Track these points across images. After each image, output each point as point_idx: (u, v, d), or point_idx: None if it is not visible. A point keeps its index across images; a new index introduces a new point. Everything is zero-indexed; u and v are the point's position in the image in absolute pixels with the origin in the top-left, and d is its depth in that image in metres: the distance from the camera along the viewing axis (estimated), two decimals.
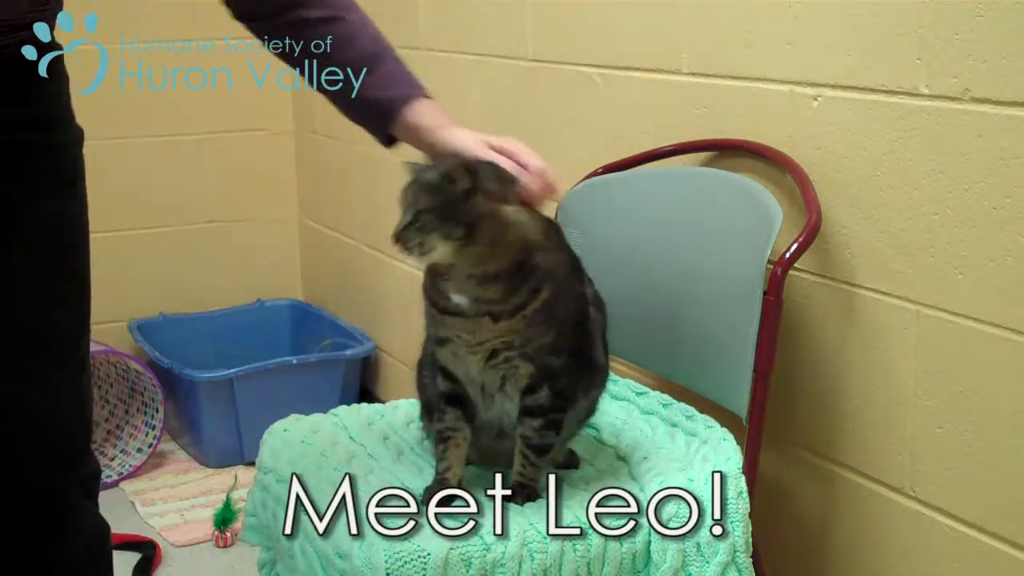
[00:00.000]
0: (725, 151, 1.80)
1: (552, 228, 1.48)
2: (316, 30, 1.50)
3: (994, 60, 1.38)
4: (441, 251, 1.37)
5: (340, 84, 1.50)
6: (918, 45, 1.47)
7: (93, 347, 2.90)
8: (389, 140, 1.54)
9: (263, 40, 1.53)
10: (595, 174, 1.94)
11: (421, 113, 1.49)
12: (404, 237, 1.37)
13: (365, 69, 1.50)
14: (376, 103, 1.50)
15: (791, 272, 1.56)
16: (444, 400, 1.49)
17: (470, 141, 1.46)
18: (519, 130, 2.31)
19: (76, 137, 1.54)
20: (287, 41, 1.51)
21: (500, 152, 1.44)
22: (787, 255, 1.54)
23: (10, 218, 1.45)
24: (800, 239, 1.56)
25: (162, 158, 3.31)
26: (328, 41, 1.49)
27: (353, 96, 1.50)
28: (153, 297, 3.33)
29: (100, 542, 1.62)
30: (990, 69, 1.38)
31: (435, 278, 1.42)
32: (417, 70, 2.93)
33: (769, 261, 1.54)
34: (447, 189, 1.37)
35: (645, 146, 1.92)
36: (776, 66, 1.68)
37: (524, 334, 1.42)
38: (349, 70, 1.50)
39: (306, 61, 1.51)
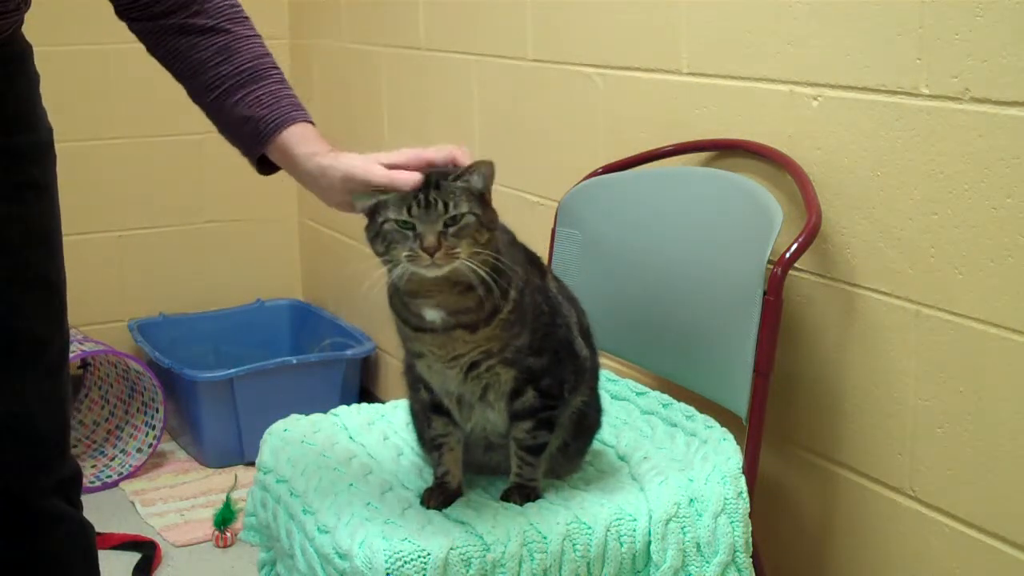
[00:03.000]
0: (725, 151, 1.80)
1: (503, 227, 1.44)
2: (196, 38, 1.44)
3: (994, 60, 1.38)
4: (463, 259, 1.31)
5: (214, 97, 1.44)
6: (918, 45, 1.47)
7: (93, 347, 2.91)
8: (263, 164, 1.47)
9: (147, 46, 1.48)
10: (595, 174, 1.94)
11: (298, 137, 1.42)
12: (446, 241, 1.30)
13: (242, 85, 1.43)
14: (249, 121, 1.43)
15: (791, 272, 1.56)
16: (430, 409, 1.49)
17: (359, 162, 1.37)
18: (519, 130, 2.32)
19: (42, 140, 1.50)
20: (167, 47, 1.46)
21: (396, 166, 1.36)
22: (787, 255, 1.54)
23: None
24: (800, 239, 1.56)
25: (162, 158, 3.31)
26: (207, 51, 1.44)
27: (225, 111, 1.44)
28: (153, 297, 3.33)
29: (82, 546, 1.61)
30: (990, 69, 1.38)
31: (405, 296, 1.38)
32: (417, 70, 2.94)
33: (769, 261, 1.54)
34: (475, 190, 1.33)
35: (645, 146, 1.92)
36: (776, 66, 1.68)
37: (502, 339, 1.40)
38: (225, 84, 1.43)
39: (184, 69, 1.46)
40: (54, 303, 1.54)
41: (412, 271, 1.31)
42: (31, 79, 1.50)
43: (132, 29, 1.50)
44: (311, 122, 1.46)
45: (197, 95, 1.47)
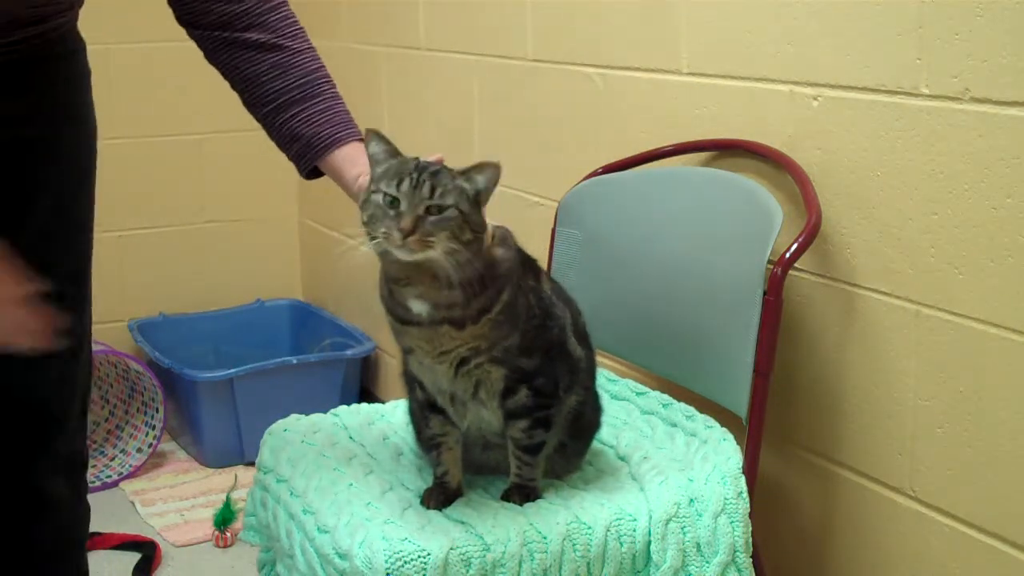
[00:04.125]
0: (725, 151, 1.80)
1: (503, 230, 1.45)
2: (251, 53, 1.49)
3: (994, 60, 1.38)
4: (437, 251, 1.31)
5: (266, 111, 1.49)
6: (918, 45, 1.47)
7: (93, 347, 2.91)
8: (310, 174, 1.53)
9: (204, 53, 1.53)
10: (595, 174, 1.94)
11: (343, 158, 1.48)
12: (422, 228, 1.30)
13: (295, 103, 1.49)
14: (299, 139, 1.48)
15: (791, 272, 1.56)
16: (426, 408, 1.48)
17: None
18: (519, 130, 2.32)
19: (90, 132, 1.57)
20: (222, 58, 1.51)
21: None
22: (787, 255, 1.54)
23: (10, 199, 1.47)
24: (800, 239, 1.56)
25: (162, 158, 3.31)
26: (261, 66, 1.49)
27: (277, 126, 1.49)
28: (153, 297, 3.33)
29: (72, 526, 1.64)
30: (990, 69, 1.38)
31: (391, 283, 1.39)
32: (417, 70, 2.94)
33: (769, 261, 1.54)
34: (471, 190, 1.34)
35: (645, 146, 1.92)
36: (776, 66, 1.68)
37: (490, 337, 1.40)
38: (278, 100, 1.49)
39: (238, 81, 1.51)
40: (79, 290, 1.58)
41: (385, 249, 1.32)
42: (81, 74, 1.55)
43: (191, 35, 1.54)
44: (361, 139, 1.50)
45: (250, 106, 1.52)
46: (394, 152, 1.38)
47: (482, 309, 1.38)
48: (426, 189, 1.32)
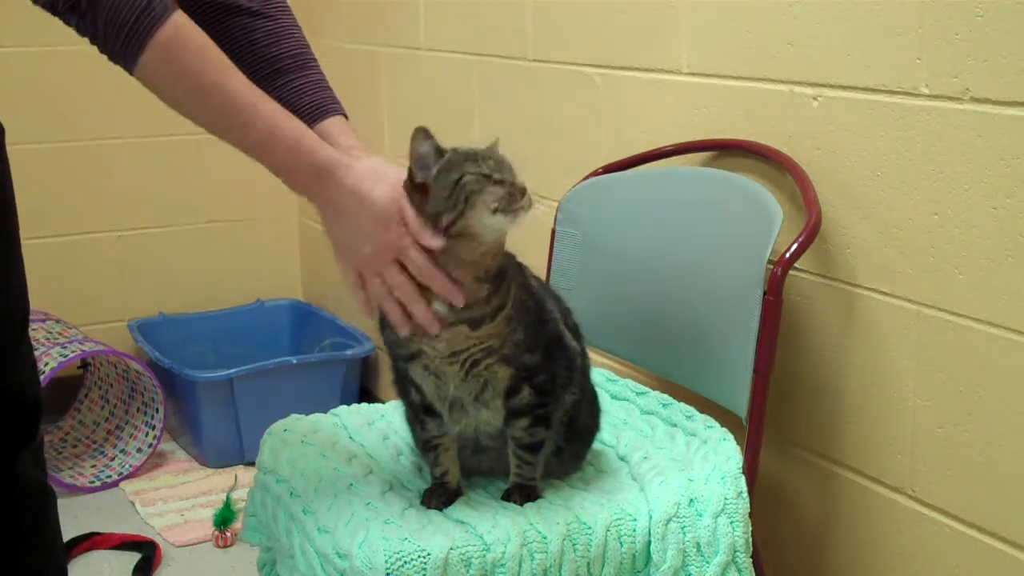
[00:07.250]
0: (725, 151, 1.80)
1: None
2: (245, 19, 1.49)
3: (994, 60, 1.38)
4: (512, 223, 1.37)
5: (259, 79, 1.47)
6: (918, 45, 1.47)
7: (93, 347, 2.91)
8: None
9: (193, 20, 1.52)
10: (595, 174, 1.94)
11: (339, 128, 1.48)
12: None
13: (289, 71, 1.49)
14: (292, 108, 1.46)
15: (791, 272, 1.56)
16: (422, 411, 1.48)
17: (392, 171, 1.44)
18: (519, 130, 2.32)
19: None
20: (215, 25, 1.48)
21: None
22: (787, 255, 1.54)
23: None
24: (800, 239, 1.56)
25: (162, 158, 3.31)
26: (256, 33, 1.49)
27: (269, 93, 1.45)
28: (153, 297, 3.33)
29: (49, 515, 1.66)
30: (990, 69, 1.38)
31: None
32: (417, 70, 2.93)
33: (769, 261, 1.54)
34: None
35: (645, 146, 1.92)
36: (776, 66, 1.68)
37: (503, 334, 1.41)
38: (272, 67, 1.49)
39: (230, 49, 1.47)
40: (23, 273, 1.60)
41: (500, 223, 1.36)
42: None
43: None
44: (346, 116, 1.51)
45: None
46: (441, 149, 1.41)
47: (499, 306, 1.40)
48: (512, 168, 1.39)
